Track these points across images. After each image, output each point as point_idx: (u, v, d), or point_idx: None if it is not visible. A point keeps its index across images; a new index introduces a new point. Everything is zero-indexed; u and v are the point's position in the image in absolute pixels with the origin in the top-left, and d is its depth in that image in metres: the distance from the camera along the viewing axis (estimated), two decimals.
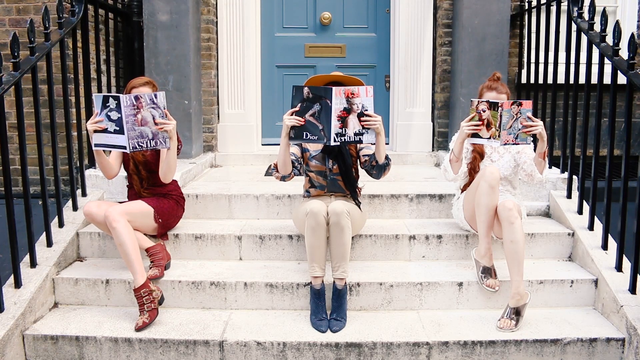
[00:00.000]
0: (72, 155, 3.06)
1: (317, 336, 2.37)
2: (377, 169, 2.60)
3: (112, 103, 2.43)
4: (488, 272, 2.61)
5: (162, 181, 2.76)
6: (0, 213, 2.98)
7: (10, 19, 3.65)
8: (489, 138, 2.48)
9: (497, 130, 2.42)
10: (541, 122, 2.45)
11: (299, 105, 2.40)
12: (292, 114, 2.41)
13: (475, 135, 2.52)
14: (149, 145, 2.51)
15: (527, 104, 2.45)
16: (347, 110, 2.37)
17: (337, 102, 2.35)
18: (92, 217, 2.63)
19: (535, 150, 2.64)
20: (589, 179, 3.12)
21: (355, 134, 2.39)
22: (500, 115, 2.41)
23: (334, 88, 2.36)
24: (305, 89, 2.39)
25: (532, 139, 2.53)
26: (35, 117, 2.67)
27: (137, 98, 2.44)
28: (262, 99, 4.55)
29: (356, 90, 2.36)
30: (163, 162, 2.70)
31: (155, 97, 2.47)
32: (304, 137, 2.43)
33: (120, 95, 2.43)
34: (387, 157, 2.57)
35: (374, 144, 2.47)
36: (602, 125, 4.06)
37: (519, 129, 2.43)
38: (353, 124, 2.38)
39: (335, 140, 2.39)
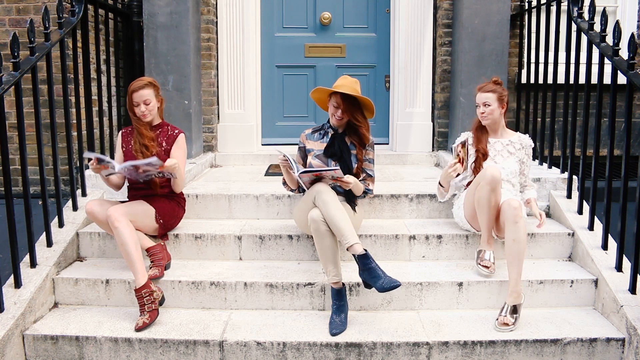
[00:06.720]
0: (72, 155, 3.06)
1: (317, 336, 2.37)
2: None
3: (110, 167, 2.58)
4: (485, 253, 2.67)
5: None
6: (0, 213, 2.98)
7: (10, 19, 3.65)
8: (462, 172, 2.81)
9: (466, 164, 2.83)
10: None
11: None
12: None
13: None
14: (156, 176, 2.71)
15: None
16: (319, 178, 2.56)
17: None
18: (94, 216, 2.63)
19: (531, 193, 2.92)
20: (589, 179, 3.12)
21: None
22: (467, 152, 2.81)
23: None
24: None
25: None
26: (35, 117, 2.67)
27: (135, 167, 2.57)
28: (262, 99, 4.54)
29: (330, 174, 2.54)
30: (173, 181, 2.80)
31: (149, 165, 2.57)
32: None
33: (116, 167, 2.55)
34: (364, 191, 2.78)
35: None
36: (602, 125, 4.06)
37: (471, 164, 2.84)
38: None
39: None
